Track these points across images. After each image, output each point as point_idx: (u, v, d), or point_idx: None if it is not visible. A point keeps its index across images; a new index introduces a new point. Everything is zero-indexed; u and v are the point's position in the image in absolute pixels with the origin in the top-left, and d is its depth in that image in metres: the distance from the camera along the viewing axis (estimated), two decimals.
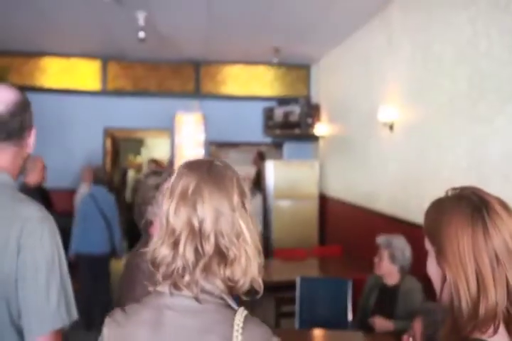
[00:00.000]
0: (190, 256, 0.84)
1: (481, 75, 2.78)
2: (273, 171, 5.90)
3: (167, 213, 0.87)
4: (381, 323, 2.41)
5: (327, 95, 6.15)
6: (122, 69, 6.37)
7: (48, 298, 1.05)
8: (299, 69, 6.64)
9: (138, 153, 9.11)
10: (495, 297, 0.80)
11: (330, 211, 5.90)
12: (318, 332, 2.68)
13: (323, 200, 6.01)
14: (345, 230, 5.26)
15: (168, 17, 4.58)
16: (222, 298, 0.86)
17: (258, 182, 5.51)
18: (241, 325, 0.83)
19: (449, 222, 0.86)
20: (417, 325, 1.74)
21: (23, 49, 5.94)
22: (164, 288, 0.87)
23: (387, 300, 2.55)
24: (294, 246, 5.19)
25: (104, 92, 6.31)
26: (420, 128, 3.57)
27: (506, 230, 0.84)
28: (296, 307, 3.09)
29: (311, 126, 6.22)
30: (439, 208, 0.91)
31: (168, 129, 6.43)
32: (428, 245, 0.92)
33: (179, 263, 0.85)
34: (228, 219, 0.86)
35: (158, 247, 0.87)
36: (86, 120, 6.26)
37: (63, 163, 5.83)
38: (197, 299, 0.84)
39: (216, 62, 6.46)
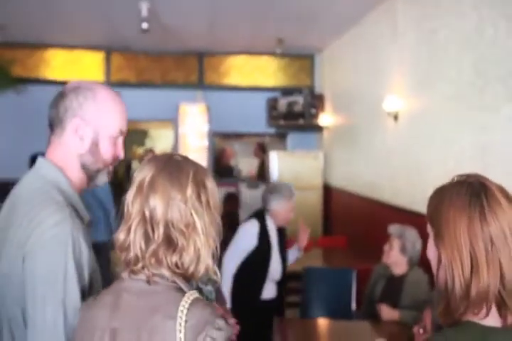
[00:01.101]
0: (140, 241, 0.91)
1: (486, 63, 2.75)
2: (277, 162, 5.89)
3: (127, 202, 0.94)
4: (387, 311, 2.42)
5: (331, 85, 6.11)
6: (126, 60, 6.36)
7: (43, 314, 0.95)
8: (302, 60, 6.59)
9: (142, 144, 9.12)
10: (487, 279, 0.82)
11: (334, 201, 5.91)
12: (322, 322, 2.69)
13: (328, 191, 6.01)
14: (350, 220, 5.27)
15: (171, 8, 4.55)
16: (174, 282, 0.91)
17: (262, 174, 5.51)
18: (186, 305, 0.87)
19: (448, 206, 0.88)
20: (427, 316, 1.74)
21: (26, 41, 5.94)
22: (125, 273, 0.94)
23: (393, 289, 2.55)
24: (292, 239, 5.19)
25: (107, 84, 6.28)
26: (425, 117, 3.55)
27: (504, 217, 0.85)
28: (301, 297, 3.11)
29: (315, 116, 6.19)
30: (441, 193, 0.93)
31: (172, 120, 6.43)
32: (428, 228, 0.95)
33: (133, 249, 0.92)
34: (179, 210, 0.92)
35: (118, 233, 0.95)
36: None
37: None
38: (148, 282, 0.91)
39: (219, 52, 6.42)
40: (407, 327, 2.09)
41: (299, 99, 6.17)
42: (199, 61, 6.47)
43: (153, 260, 0.90)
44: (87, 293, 1.04)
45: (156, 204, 0.91)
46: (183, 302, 0.87)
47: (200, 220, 0.93)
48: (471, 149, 2.90)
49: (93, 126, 1.11)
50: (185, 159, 0.99)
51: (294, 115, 6.19)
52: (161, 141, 9.11)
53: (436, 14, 3.35)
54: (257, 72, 6.52)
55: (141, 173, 0.95)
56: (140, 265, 0.91)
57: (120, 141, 1.18)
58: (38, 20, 5.02)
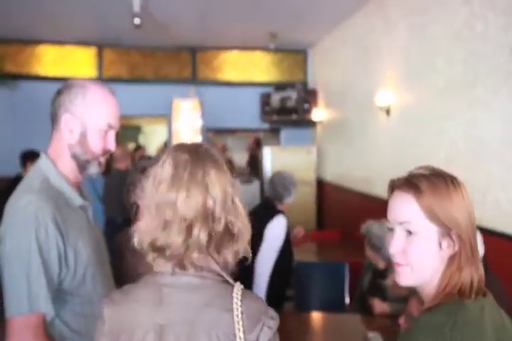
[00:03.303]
0: (203, 237, 0.88)
1: (477, 58, 2.77)
2: (270, 157, 5.91)
3: (174, 200, 0.88)
4: (378, 305, 2.44)
5: (324, 80, 6.12)
6: (118, 56, 6.31)
7: (11, 286, 1.11)
8: (295, 55, 6.59)
9: (135, 139, 9.09)
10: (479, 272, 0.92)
11: (327, 196, 5.94)
12: (316, 315, 2.69)
13: (321, 185, 6.04)
14: (343, 215, 5.30)
15: (163, 3, 4.52)
16: (219, 275, 0.91)
17: (255, 169, 5.52)
18: (239, 297, 0.87)
19: (457, 196, 0.92)
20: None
21: (18, 37, 5.87)
22: (163, 267, 0.91)
23: (378, 282, 2.57)
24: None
25: (100, 79, 6.25)
26: (417, 111, 3.57)
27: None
28: (294, 291, 3.12)
29: (308, 111, 6.20)
30: (437, 185, 0.93)
31: (165, 116, 6.41)
32: (423, 226, 0.93)
33: (191, 245, 0.88)
34: (231, 197, 0.93)
35: (164, 233, 0.88)
36: None
37: None
38: (196, 276, 0.89)
39: (212, 48, 6.39)
40: (397, 320, 2.12)
41: (292, 94, 6.17)
42: (192, 56, 6.43)
43: (217, 253, 0.91)
44: (58, 273, 1.14)
45: (217, 195, 0.90)
46: (234, 294, 0.88)
47: (239, 201, 0.95)
48: (462, 143, 2.92)
49: (81, 120, 1.23)
50: (211, 147, 1.00)
51: (287, 110, 6.19)
52: (154, 136, 9.07)
53: (427, 9, 3.36)
54: (250, 67, 6.51)
55: (189, 168, 0.90)
56: (195, 258, 0.90)
57: (111, 134, 1.27)
58: (29, 16, 4.96)
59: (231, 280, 0.91)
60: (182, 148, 0.96)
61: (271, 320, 0.89)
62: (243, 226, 0.93)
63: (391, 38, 4.00)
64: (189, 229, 0.88)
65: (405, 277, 0.94)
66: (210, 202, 0.89)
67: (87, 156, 1.25)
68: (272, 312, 0.90)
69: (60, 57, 6.15)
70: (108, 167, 4.77)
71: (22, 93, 5.89)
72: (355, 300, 2.82)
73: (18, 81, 5.84)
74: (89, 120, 1.23)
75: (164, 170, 0.91)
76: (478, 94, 2.76)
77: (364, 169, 4.64)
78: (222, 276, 0.91)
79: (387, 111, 4.02)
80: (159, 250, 0.90)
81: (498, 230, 2.54)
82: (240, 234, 0.93)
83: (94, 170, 1.28)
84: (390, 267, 2.53)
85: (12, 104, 5.95)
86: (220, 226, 0.90)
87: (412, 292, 0.96)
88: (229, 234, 0.91)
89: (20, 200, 1.14)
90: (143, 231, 0.91)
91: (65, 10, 4.77)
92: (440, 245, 0.92)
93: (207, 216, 0.89)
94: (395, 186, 0.99)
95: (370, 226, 2.63)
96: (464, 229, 0.91)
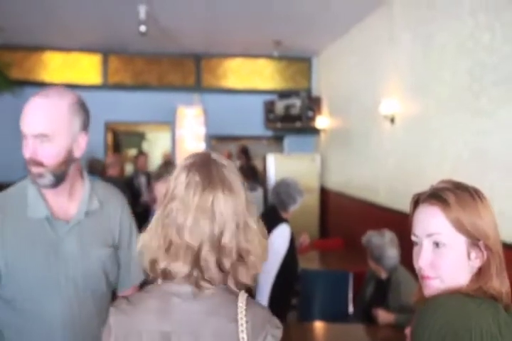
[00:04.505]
0: (213, 267, 0.87)
1: (482, 68, 2.76)
2: (274, 165, 5.90)
3: (182, 226, 0.87)
4: (383, 315, 2.41)
5: (328, 88, 6.13)
6: (123, 63, 6.35)
7: None
8: (299, 62, 6.61)
9: (139, 147, 9.10)
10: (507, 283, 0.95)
11: (331, 204, 5.91)
12: (319, 325, 2.67)
13: (324, 193, 6.02)
14: (347, 223, 5.27)
15: (169, 11, 4.55)
16: (224, 283, 0.91)
17: (253, 178, 5.47)
18: (244, 306, 0.87)
19: (484, 208, 0.95)
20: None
21: (24, 43, 5.92)
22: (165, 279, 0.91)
23: (381, 292, 2.56)
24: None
25: (105, 86, 6.30)
26: (421, 121, 3.56)
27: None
28: (298, 300, 3.09)
29: (312, 119, 6.20)
30: (461, 198, 0.95)
31: (169, 123, 6.42)
32: (451, 238, 0.94)
33: (199, 274, 0.87)
34: (244, 223, 0.90)
35: (169, 258, 0.87)
36: None
37: None
38: (200, 286, 0.88)
39: (217, 55, 6.43)
40: (402, 331, 2.10)
41: (296, 102, 6.18)
42: (196, 64, 6.47)
43: (232, 280, 0.90)
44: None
45: (226, 224, 0.87)
46: (239, 303, 0.87)
47: (254, 220, 0.92)
48: (467, 153, 2.91)
49: None
50: (229, 164, 0.95)
51: (291, 118, 6.20)
52: (158, 143, 9.08)
53: (432, 19, 3.37)
54: (254, 74, 6.53)
55: (198, 193, 0.87)
56: (208, 279, 0.89)
57: (26, 142, 1.22)
58: (35, 22, 5.01)
59: (235, 289, 0.91)
60: (195, 166, 0.91)
61: (275, 329, 0.88)
62: (258, 250, 0.91)
63: (396, 47, 4.01)
64: (196, 260, 0.86)
65: (434, 289, 0.95)
66: (216, 232, 0.87)
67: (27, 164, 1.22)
68: (276, 321, 0.90)
69: (65, 64, 6.19)
70: (101, 173, 4.82)
71: (27, 100, 5.91)
72: (358, 310, 2.79)
73: (23, 87, 5.88)
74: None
75: (177, 188, 0.90)
76: (483, 104, 2.76)
77: (368, 177, 4.63)
78: (226, 284, 0.91)
79: (392, 120, 4.02)
80: (164, 274, 0.89)
81: (503, 241, 2.51)
82: (257, 259, 0.91)
83: (39, 181, 1.22)
84: (391, 277, 2.53)
85: (17, 111, 5.95)
86: (232, 257, 0.88)
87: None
88: (244, 262, 0.90)
89: None
90: (145, 245, 0.91)
91: (71, 17, 4.82)
92: (469, 256, 0.94)
93: (214, 246, 0.87)
94: (419, 200, 1.01)
95: (370, 237, 2.62)
96: (491, 239, 0.94)
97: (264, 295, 2.55)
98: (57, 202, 1.29)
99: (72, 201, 1.31)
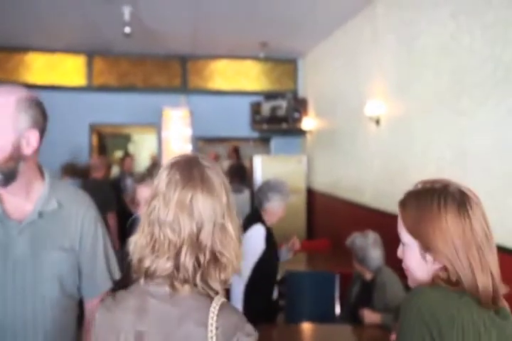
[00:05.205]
0: (190, 266, 0.88)
1: (464, 70, 2.80)
2: (260, 166, 5.89)
3: (163, 222, 0.89)
4: (369, 316, 2.42)
5: (314, 89, 6.16)
6: (108, 64, 6.28)
7: None
8: (285, 64, 6.63)
9: (125, 148, 9.02)
10: (483, 281, 0.91)
11: (317, 205, 5.93)
12: (306, 326, 2.67)
13: (311, 195, 6.04)
14: (333, 224, 5.29)
15: (154, 12, 4.52)
16: (199, 287, 0.91)
17: (241, 178, 5.46)
18: (216, 312, 0.86)
19: (439, 223, 0.92)
20: None
21: (6, 44, 5.82)
22: (146, 279, 0.93)
23: (366, 293, 2.56)
24: (281, 241, 5.19)
25: (89, 88, 6.22)
26: (406, 122, 3.59)
27: (482, 216, 0.95)
28: (285, 302, 3.08)
29: (299, 120, 6.22)
30: (421, 207, 0.95)
31: (155, 125, 6.37)
32: (408, 239, 0.98)
33: (179, 272, 0.89)
34: (221, 225, 0.91)
35: (153, 256, 0.90)
36: (71, 116, 6.15)
37: (48, 159, 5.74)
38: (175, 291, 0.89)
39: (203, 57, 6.40)
40: (388, 331, 2.11)
41: (282, 104, 6.19)
42: (182, 65, 6.44)
43: (203, 281, 0.90)
44: None
45: (203, 223, 0.89)
46: (212, 308, 0.87)
47: (232, 225, 0.93)
48: (451, 153, 2.94)
49: None
50: (213, 167, 0.96)
51: (278, 119, 6.20)
52: (144, 145, 9.01)
53: (415, 21, 3.41)
54: (240, 76, 6.53)
55: (178, 191, 0.90)
56: (182, 280, 0.90)
57: None
58: (18, 23, 4.92)
59: (212, 293, 0.91)
60: (179, 165, 0.94)
61: (246, 337, 0.87)
62: (233, 255, 0.92)
63: (380, 49, 4.05)
64: (177, 256, 0.88)
65: (411, 280, 1.03)
66: (195, 229, 0.89)
67: None
68: (249, 328, 0.88)
69: (49, 65, 6.09)
70: (86, 175, 4.77)
71: None
72: (344, 311, 2.80)
73: None
74: None
75: (160, 184, 0.92)
76: (464, 105, 2.79)
77: (354, 178, 4.65)
78: (203, 288, 0.91)
79: (377, 121, 4.05)
80: (147, 273, 0.91)
81: None
82: (229, 263, 0.91)
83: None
84: (376, 278, 2.54)
85: None
86: (206, 255, 0.89)
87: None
88: (216, 263, 0.90)
89: None
90: (134, 246, 0.93)
91: (54, 17, 4.74)
92: (425, 258, 0.96)
93: (193, 243, 0.89)
94: None
95: (354, 238, 2.63)
96: (442, 252, 0.93)
97: (238, 298, 2.49)
98: (12, 201, 1.25)
99: (29, 201, 1.26)
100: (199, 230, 0.89)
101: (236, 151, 6.26)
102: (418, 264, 0.96)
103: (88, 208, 1.35)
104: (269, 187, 2.68)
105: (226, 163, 6.19)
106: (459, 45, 2.84)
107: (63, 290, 1.28)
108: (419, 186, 1.01)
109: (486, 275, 0.91)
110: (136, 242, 0.93)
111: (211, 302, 0.88)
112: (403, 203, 1.00)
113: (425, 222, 0.94)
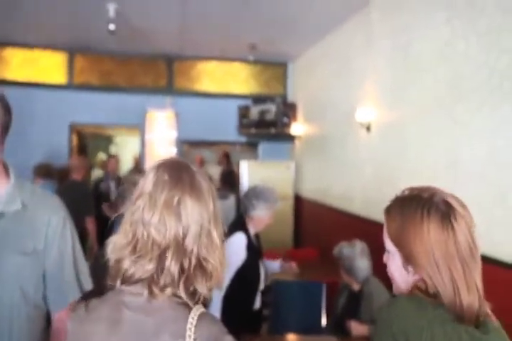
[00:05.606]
0: (174, 270, 0.85)
1: (459, 76, 2.75)
2: (247, 172, 5.77)
3: (148, 222, 0.86)
4: (356, 327, 2.37)
5: (304, 94, 6.06)
6: (90, 62, 6.11)
7: None
8: (275, 67, 6.53)
9: (107, 150, 8.80)
10: (468, 299, 0.87)
11: (305, 212, 5.82)
12: (291, 337, 2.62)
13: (299, 202, 5.93)
14: (321, 232, 5.18)
15: (140, 9, 4.40)
16: (178, 296, 0.86)
17: (230, 184, 5.34)
18: (194, 323, 0.83)
19: (421, 233, 0.90)
20: None
21: None
22: (124, 287, 0.88)
23: (353, 304, 2.53)
24: (268, 249, 5.06)
25: (70, 86, 6.04)
26: (398, 129, 3.51)
27: (467, 229, 0.91)
28: (269, 312, 3.00)
29: (287, 125, 6.11)
30: (405, 216, 0.93)
31: (139, 126, 6.21)
32: (391, 247, 0.97)
33: (162, 275, 0.85)
34: (207, 231, 0.89)
35: (135, 260, 0.86)
36: (50, 115, 5.96)
37: (25, 159, 5.52)
38: (153, 297, 0.85)
39: (190, 57, 6.26)
40: None
41: (271, 108, 6.08)
42: (168, 65, 6.29)
43: (187, 288, 0.87)
44: None
45: (190, 227, 0.87)
46: (190, 319, 0.83)
47: (217, 233, 0.91)
48: (444, 161, 2.87)
49: None
50: (201, 173, 0.95)
51: (266, 124, 6.08)
52: (126, 147, 8.83)
53: (410, 26, 3.34)
54: (228, 78, 6.40)
55: (165, 192, 0.87)
56: (166, 286, 0.86)
57: None
58: None
59: (190, 303, 0.86)
60: (167, 167, 0.92)
61: None
62: (218, 263, 0.89)
63: (374, 54, 3.96)
64: (161, 258, 0.85)
65: (393, 288, 1.01)
66: (180, 232, 0.86)
67: None
68: (228, 338, 0.85)
69: (27, 62, 5.91)
70: (64, 177, 4.55)
71: None
72: (331, 322, 2.75)
73: None
74: None
75: (146, 184, 0.90)
76: (459, 112, 2.73)
77: (343, 186, 4.55)
78: (180, 297, 0.87)
79: (368, 128, 3.96)
80: (124, 276, 0.87)
81: None
82: (214, 271, 0.89)
83: None
84: (363, 288, 2.51)
85: None
86: (192, 260, 0.86)
87: None
88: (201, 269, 0.87)
89: None
90: (112, 246, 0.89)
91: (34, 11, 4.57)
92: (406, 268, 0.93)
93: (178, 246, 0.86)
94: None
95: (341, 248, 2.60)
96: (421, 265, 0.90)
97: (216, 307, 2.41)
98: None
99: None
100: (185, 234, 0.86)
101: (227, 157, 6.12)
102: (400, 273, 0.95)
103: (56, 210, 1.30)
104: (256, 193, 2.59)
105: (214, 169, 6.05)
106: (454, 51, 2.79)
107: (26, 297, 1.21)
108: (406, 192, 0.98)
109: (473, 293, 0.88)
110: (116, 242, 0.89)
111: (189, 313, 0.84)
112: (388, 210, 0.98)
113: (407, 231, 0.92)
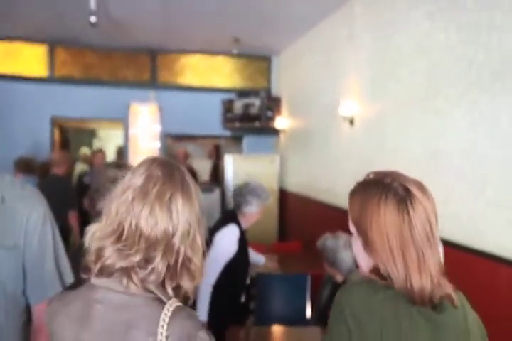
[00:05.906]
0: (161, 267, 0.84)
1: (438, 69, 2.79)
2: (232, 165, 5.77)
3: (138, 213, 0.85)
4: None
5: (288, 88, 6.08)
6: (71, 55, 6.00)
7: None
8: (259, 61, 6.52)
9: (89, 144, 8.69)
10: (420, 283, 0.87)
11: (290, 206, 5.86)
12: (276, 329, 2.65)
13: (284, 195, 5.96)
14: (306, 225, 5.23)
15: (122, 1, 4.32)
16: (151, 291, 0.85)
17: (216, 177, 5.35)
18: (167, 320, 0.81)
19: (377, 216, 0.90)
20: None
21: None
22: (98, 280, 0.86)
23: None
24: (253, 242, 5.09)
25: (51, 79, 5.92)
26: (380, 121, 3.56)
27: (424, 215, 0.90)
28: (255, 304, 3.04)
29: (272, 119, 6.12)
30: (365, 199, 0.93)
31: (122, 120, 6.14)
32: (353, 230, 0.97)
33: (149, 270, 0.84)
34: (194, 231, 0.90)
35: (119, 250, 0.84)
36: (31, 108, 5.85)
37: (6, 154, 5.42)
38: (127, 293, 0.84)
39: (174, 51, 6.21)
40: None
41: (255, 102, 6.08)
42: (151, 59, 6.22)
43: (172, 284, 0.87)
44: None
45: (179, 225, 0.87)
46: (162, 316, 0.81)
47: (199, 233, 0.92)
48: (424, 153, 2.91)
49: None
50: (186, 171, 0.96)
51: (250, 117, 6.08)
52: (110, 141, 8.73)
53: (391, 20, 3.37)
54: (212, 72, 6.37)
55: (157, 187, 0.87)
56: (151, 280, 0.86)
57: None
58: None
59: (164, 298, 0.84)
60: (159, 163, 0.92)
61: None
62: (199, 266, 0.90)
63: (356, 47, 3.99)
64: (148, 252, 0.84)
65: (359, 270, 1.01)
66: (170, 230, 0.86)
67: None
68: (202, 334, 0.83)
69: (6, 54, 5.78)
70: (45, 171, 4.49)
71: None
72: (315, 313, 2.78)
73: None
74: None
75: (135, 178, 0.89)
76: (439, 104, 2.77)
77: (327, 179, 4.59)
78: (154, 293, 0.85)
79: (351, 121, 4.00)
80: (102, 266, 0.85)
81: (457, 242, 2.50)
82: (197, 271, 0.89)
83: None
84: (347, 280, 2.52)
85: None
86: (179, 259, 0.86)
87: None
88: (187, 269, 0.88)
89: None
90: (92, 235, 0.88)
91: (13, 2, 4.45)
92: (366, 252, 0.94)
93: (168, 243, 0.85)
94: None
95: (325, 240, 2.60)
96: (376, 251, 0.90)
97: (205, 298, 2.44)
98: None
99: None
100: (174, 232, 0.86)
101: (217, 150, 6.10)
102: (362, 257, 0.96)
103: (36, 204, 1.27)
104: (249, 190, 2.65)
105: (202, 162, 6.05)
106: (434, 44, 2.83)
107: (5, 293, 1.19)
108: (371, 176, 0.98)
109: (425, 278, 0.88)
110: (96, 231, 0.87)
111: (163, 309, 0.82)
112: (352, 193, 0.98)
113: (365, 215, 0.92)
